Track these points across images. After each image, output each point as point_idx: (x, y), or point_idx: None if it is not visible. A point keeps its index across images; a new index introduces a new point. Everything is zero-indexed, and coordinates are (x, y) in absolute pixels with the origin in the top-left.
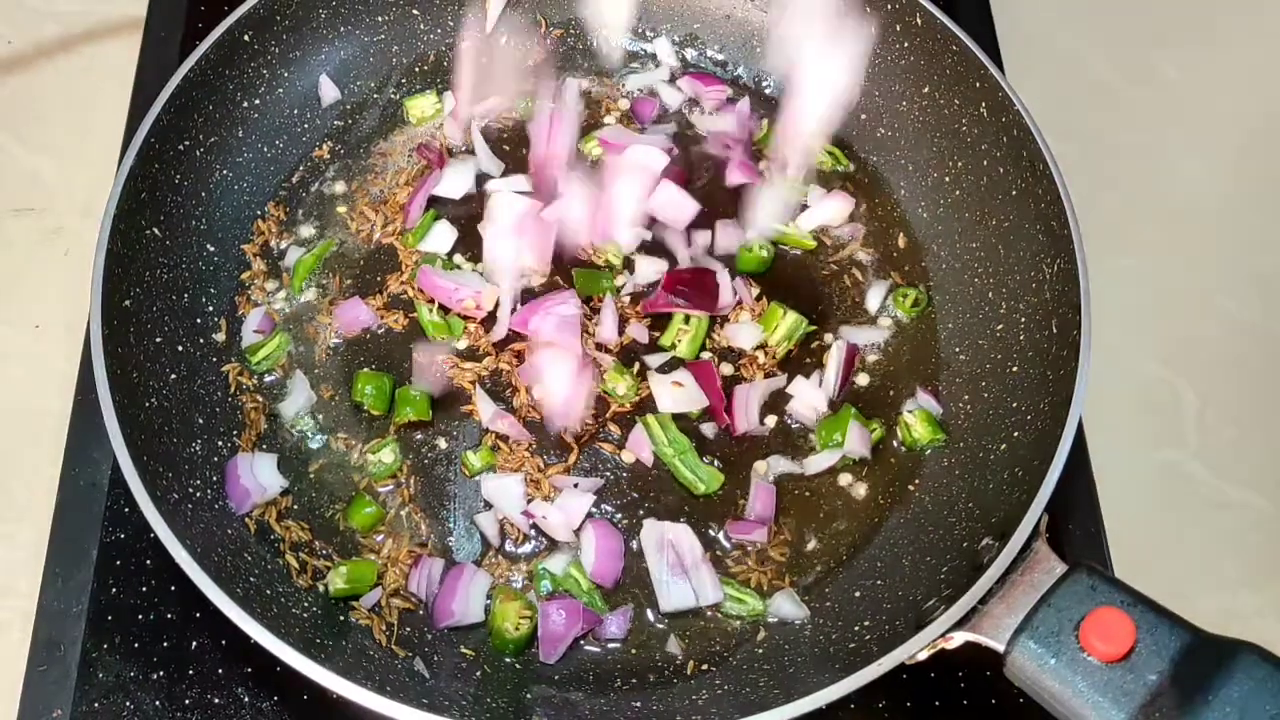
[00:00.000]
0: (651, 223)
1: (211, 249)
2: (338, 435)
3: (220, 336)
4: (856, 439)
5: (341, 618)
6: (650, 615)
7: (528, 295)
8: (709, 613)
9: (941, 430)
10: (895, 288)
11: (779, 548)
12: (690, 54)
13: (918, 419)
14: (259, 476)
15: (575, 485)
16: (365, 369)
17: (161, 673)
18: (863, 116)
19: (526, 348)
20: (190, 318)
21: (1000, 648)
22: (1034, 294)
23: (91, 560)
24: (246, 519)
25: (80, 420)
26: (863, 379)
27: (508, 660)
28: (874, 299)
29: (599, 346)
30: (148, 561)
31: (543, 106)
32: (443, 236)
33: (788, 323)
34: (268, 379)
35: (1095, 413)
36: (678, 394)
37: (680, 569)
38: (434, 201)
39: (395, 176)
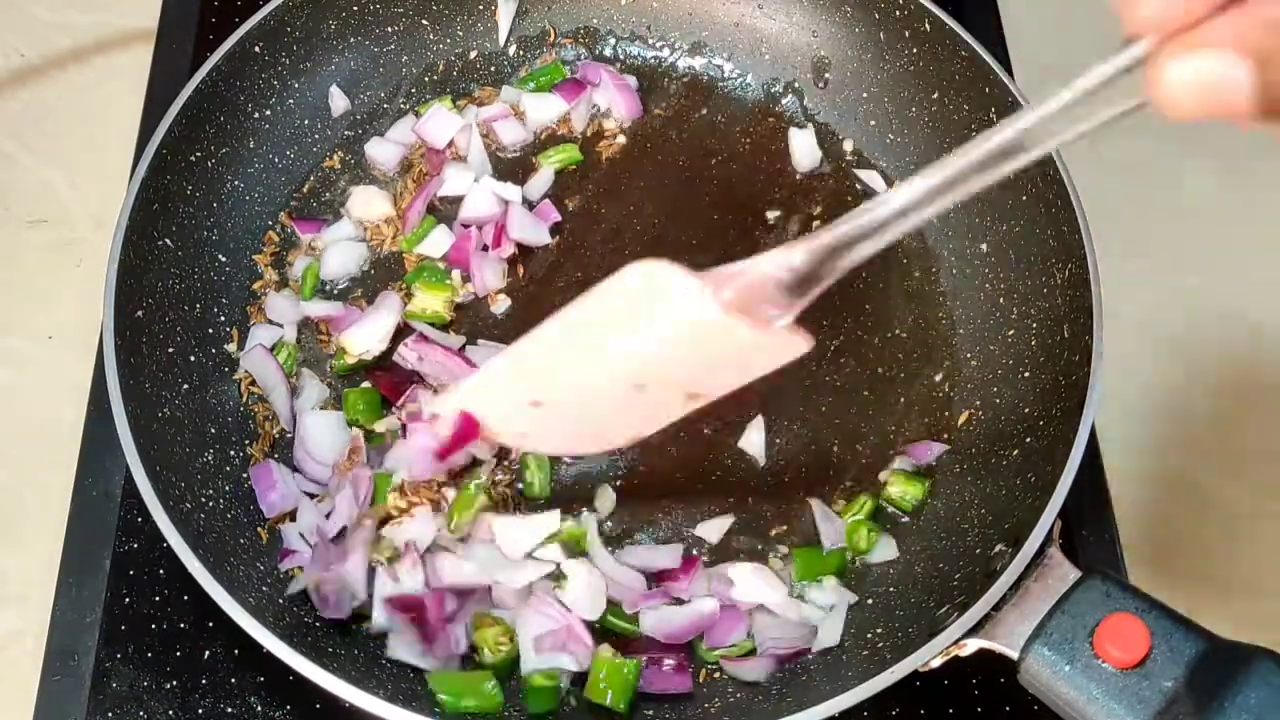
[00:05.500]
0: None
1: (223, 259)
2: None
3: (232, 347)
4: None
5: (354, 626)
6: None
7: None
8: None
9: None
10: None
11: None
12: (699, 62)
13: (899, 481)
14: (292, 485)
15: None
16: (353, 388)
17: (175, 682)
18: (871, 123)
19: None
20: (202, 328)
21: (1014, 654)
22: (1045, 299)
23: (105, 570)
24: (259, 528)
25: (93, 430)
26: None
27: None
28: None
29: None
30: (161, 571)
31: None
32: (439, 241)
33: None
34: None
35: (1108, 418)
36: None
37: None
38: (438, 208)
39: (404, 185)
